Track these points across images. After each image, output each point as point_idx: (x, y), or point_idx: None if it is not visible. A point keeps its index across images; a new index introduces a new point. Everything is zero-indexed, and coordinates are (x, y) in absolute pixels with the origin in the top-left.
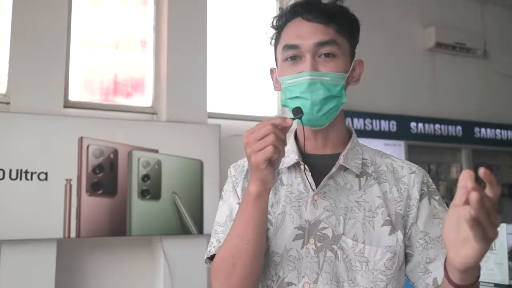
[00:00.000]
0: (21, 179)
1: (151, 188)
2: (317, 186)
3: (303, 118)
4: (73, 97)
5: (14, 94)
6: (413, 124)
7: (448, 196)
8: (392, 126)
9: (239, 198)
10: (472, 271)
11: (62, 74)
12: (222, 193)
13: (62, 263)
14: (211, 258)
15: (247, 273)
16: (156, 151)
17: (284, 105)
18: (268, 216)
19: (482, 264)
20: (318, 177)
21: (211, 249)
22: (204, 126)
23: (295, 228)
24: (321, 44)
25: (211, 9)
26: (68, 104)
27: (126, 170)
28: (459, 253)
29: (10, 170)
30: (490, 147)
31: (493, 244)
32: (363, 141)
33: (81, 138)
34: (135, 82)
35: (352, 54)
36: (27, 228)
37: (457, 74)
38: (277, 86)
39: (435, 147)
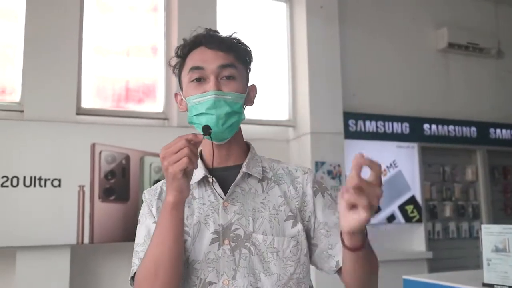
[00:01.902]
0: (35, 186)
1: None
2: (225, 194)
3: (212, 134)
4: (85, 104)
5: (28, 102)
6: (426, 126)
7: (464, 198)
8: (405, 128)
9: (154, 218)
10: (359, 235)
11: (74, 81)
12: (139, 218)
13: (76, 269)
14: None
15: (168, 280)
16: None
17: (190, 122)
18: (185, 228)
19: (496, 266)
20: (225, 187)
21: (134, 269)
22: None
23: (211, 233)
24: (223, 66)
25: (220, 15)
26: (80, 111)
27: (138, 176)
28: (348, 219)
29: (24, 177)
30: (506, 148)
31: (507, 246)
32: (375, 143)
33: (94, 144)
34: (146, 88)
35: (247, 79)
36: (41, 234)
37: (471, 74)
38: (182, 107)
39: (449, 148)
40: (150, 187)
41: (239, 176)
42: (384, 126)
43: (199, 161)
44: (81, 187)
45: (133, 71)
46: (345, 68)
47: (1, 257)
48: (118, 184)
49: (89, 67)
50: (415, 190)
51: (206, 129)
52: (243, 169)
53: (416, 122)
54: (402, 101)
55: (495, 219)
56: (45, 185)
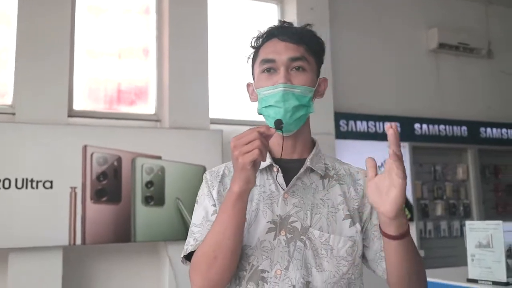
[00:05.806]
0: (26, 187)
1: (155, 194)
2: (286, 186)
3: (283, 128)
4: (77, 106)
5: (20, 105)
6: (417, 125)
7: (455, 197)
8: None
9: (214, 201)
10: (402, 218)
11: (66, 84)
12: (197, 198)
13: (68, 270)
14: (187, 258)
15: (227, 265)
16: (159, 158)
17: (259, 113)
18: None
19: (480, 262)
20: (287, 178)
21: (188, 248)
22: (206, 132)
23: (267, 222)
24: (294, 59)
25: (212, 17)
26: (72, 113)
27: (130, 177)
28: (387, 201)
29: (16, 179)
30: (496, 147)
31: (490, 242)
32: (366, 143)
33: (85, 146)
34: (138, 90)
35: (318, 72)
36: (33, 236)
37: (461, 74)
38: (253, 97)
39: (440, 148)
40: (142, 188)
41: (302, 170)
42: (375, 126)
43: None
44: (73, 189)
45: (125, 73)
46: (336, 69)
47: None
48: (110, 185)
49: (81, 69)
50: (407, 189)
51: (278, 123)
52: (307, 163)
53: (407, 122)
54: (393, 101)
55: (487, 218)
56: (37, 187)
